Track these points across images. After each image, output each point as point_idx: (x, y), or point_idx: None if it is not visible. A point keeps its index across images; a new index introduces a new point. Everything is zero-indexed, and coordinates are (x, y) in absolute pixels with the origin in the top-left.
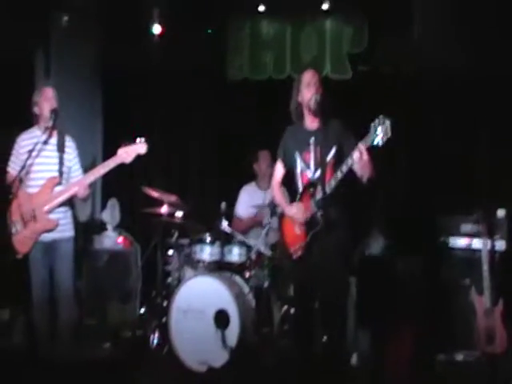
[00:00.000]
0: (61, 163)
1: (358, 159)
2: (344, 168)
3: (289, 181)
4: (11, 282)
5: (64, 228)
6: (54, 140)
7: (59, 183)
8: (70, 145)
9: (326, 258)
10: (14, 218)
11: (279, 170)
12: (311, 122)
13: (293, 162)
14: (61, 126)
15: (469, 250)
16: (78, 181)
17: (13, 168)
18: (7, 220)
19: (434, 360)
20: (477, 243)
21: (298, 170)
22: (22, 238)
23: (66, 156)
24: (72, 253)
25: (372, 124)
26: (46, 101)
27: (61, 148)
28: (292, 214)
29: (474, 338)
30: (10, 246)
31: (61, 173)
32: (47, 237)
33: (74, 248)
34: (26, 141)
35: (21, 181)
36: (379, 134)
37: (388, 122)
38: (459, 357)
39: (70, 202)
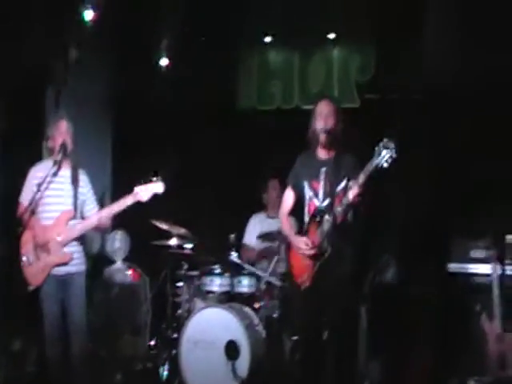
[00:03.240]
0: (75, 196)
1: (354, 196)
2: (345, 201)
3: (297, 211)
4: (22, 313)
5: (77, 262)
6: (67, 173)
7: (73, 217)
8: (83, 178)
9: (335, 287)
10: (26, 250)
11: (289, 197)
12: (323, 152)
13: (302, 190)
14: (75, 159)
15: (479, 275)
16: (94, 214)
17: (24, 199)
18: (19, 251)
19: None
20: (487, 269)
21: (306, 198)
22: (34, 270)
23: (80, 190)
24: (84, 287)
25: (376, 147)
26: (59, 134)
27: (75, 181)
28: (299, 246)
29: (485, 363)
30: (21, 277)
31: (75, 206)
32: (60, 270)
33: (86, 282)
34: (38, 173)
35: (33, 212)
36: (384, 156)
37: (392, 145)
38: (471, 383)
39: (81, 236)
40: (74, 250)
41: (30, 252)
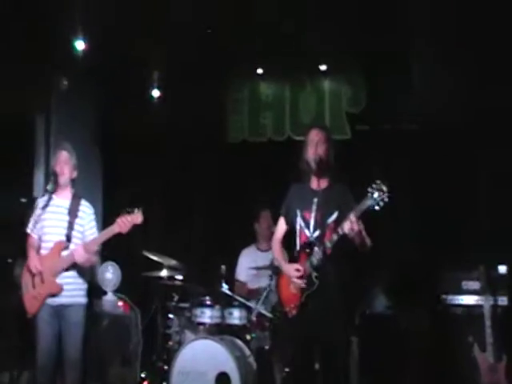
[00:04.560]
0: (70, 228)
1: (349, 230)
2: (335, 236)
3: (289, 241)
4: (12, 345)
5: (73, 294)
6: (66, 203)
7: (66, 248)
8: (84, 209)
9: (321, 319)
10: (26, 278)
11: (281, 226)
12: (316, 182)
13: (294, 220)
14: (77, 190)
15: (471, 306)
16: (76, 247)
17: (30, 229)
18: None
19: None
20: (479, 300)
21: (298, 228)
22: (30, 298)
23: (77, 220)
24: (81, 320)
25: (369, 188)
26: (57, 164)
27: (72, 212)
28: (290, 274)
29: None
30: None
31: (68, 237)
32: (55, 301)
33: (83, 315)
34: (40, 203)
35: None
36: (376, 199)
37: (385, 188)
38: None
39: (80, 268)
40: (69, 281)
41: (28, 281)
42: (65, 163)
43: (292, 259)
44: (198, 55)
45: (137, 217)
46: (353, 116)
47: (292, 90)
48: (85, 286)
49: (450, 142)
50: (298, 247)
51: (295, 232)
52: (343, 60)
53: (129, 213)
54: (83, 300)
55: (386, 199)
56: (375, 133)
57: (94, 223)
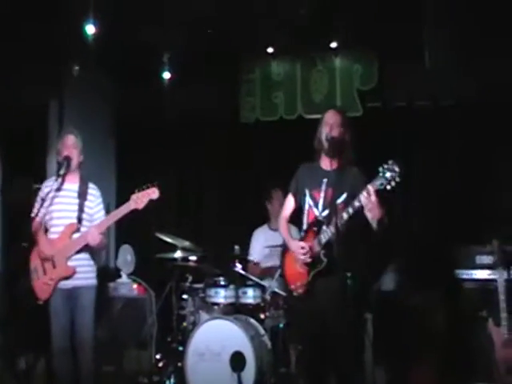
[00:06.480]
0: (80, 210)
1: (366, 200)
2: (350, 209)
3: (297, 218)
4: (28, 330)
5: (85, 276)
6: (74, 187)
7: (78, 230)
8: (92, 192)
9: (329, 298)
10: (35, 264)
11: (289, 203)
12: (327, 162)
13: (302, 198)
14: (84, 173)
15: (485, 281)
16: (90, 228)
17: (36, 214)
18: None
19: None
20: (492, 274)
21: (306, 207)
22: (41, 284)
23: (87, 203)
24: (93, 301)
25: (380, 168)
26: (65, 148)
27: (82, 195)
28: (295, 250)
29: (493, 369)
30: (30, 292)
31: (79, 219)
32: (68, 284)
33: (95, 297)
34: (45, 188)
35: (41, 226)
36: (388, 178)
37: (397, 169)
38: None
39: (91, 250)
40: (82, 263)
41: (38, 266)
42: (73, 147)
43: (299, 237)
44: (209, 37)
45: (153, 191)
46: (364, 93)
47: (303, 68)
48: (95, 267)
49: (463, 119)
50: (305, 226)
51: (303, 211)
52: (354, 37)
53: (143, 189)
54: (94, 282)
55: (398, 179)
56: (387, 110)
57: (101, 206)
